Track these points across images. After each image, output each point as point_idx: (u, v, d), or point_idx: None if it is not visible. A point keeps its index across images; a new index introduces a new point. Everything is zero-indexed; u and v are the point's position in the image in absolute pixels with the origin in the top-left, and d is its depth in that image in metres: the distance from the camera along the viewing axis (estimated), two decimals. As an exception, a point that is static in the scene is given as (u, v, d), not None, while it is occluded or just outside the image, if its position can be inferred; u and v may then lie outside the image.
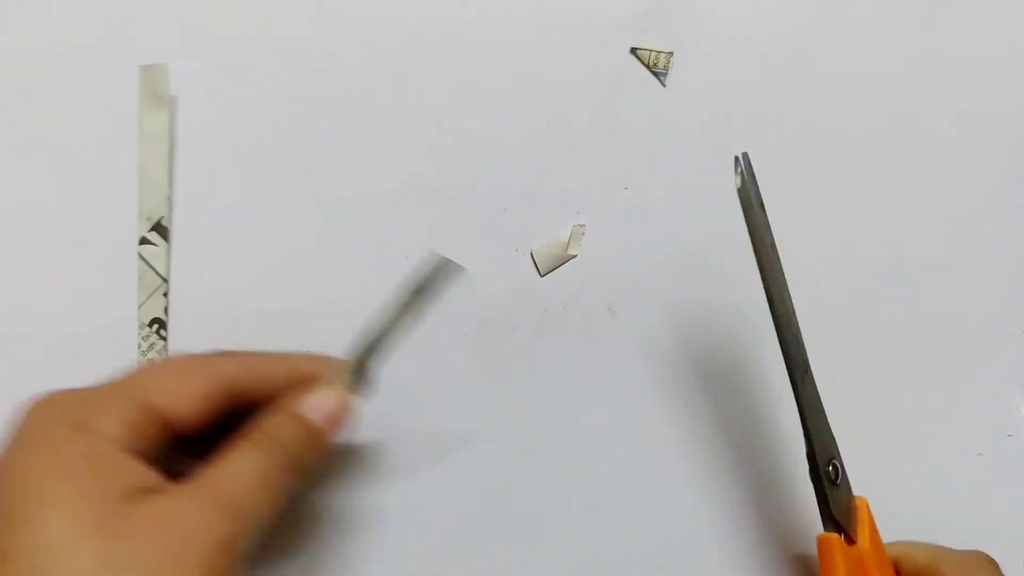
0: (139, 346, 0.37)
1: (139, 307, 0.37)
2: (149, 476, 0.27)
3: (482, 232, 0.39)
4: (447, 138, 0.39)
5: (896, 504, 0.38)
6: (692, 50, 0.40)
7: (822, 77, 0.40)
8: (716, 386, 0.39)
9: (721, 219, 0.39)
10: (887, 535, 0.38)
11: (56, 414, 0.27)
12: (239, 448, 0.28)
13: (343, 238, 0.39)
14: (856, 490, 0.37)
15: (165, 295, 0.37)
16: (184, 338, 0.38)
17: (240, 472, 0.28)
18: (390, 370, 0.38)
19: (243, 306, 0.38)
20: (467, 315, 0.39)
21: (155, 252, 0.37)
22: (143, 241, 0.37)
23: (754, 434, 0.39)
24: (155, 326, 0.37)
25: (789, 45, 0.40)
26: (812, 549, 0.38)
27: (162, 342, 0.37)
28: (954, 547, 0.35)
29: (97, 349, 0.37)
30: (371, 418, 0.38)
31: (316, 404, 0.31)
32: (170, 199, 0.38)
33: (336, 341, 0.38)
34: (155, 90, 0.37)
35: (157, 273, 0.37)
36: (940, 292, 0.39)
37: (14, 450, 0.26)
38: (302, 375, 0.32)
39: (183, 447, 0.30)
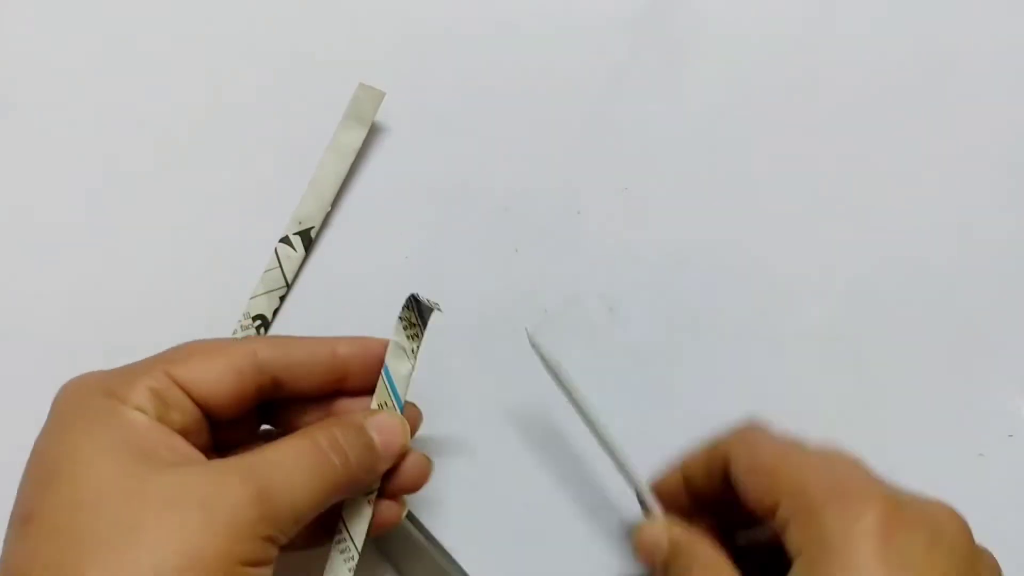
0: (234, 331, 0.37)
1: (251, 298, 0.37)
2: (179, 445, 0.26)
3: (482, 232, 0.39)
4: (446, 137, 0.39)
5: (896, 504, 0.38)
6: (692, 50, 0.40)
7: (822, 76, 0.40)
8: (716, 385, 0.39)
9: (721, 219, 0.39)
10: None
11: (87, 387, 0.27)
12: (294, 440, 0.27)
13: (343, 238, 0.39)
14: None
15: (281, 299, 0.38)
16: None
17: (287, 462, 0.26)
18: (390, 370, 0.38)
19: (239, 300, 0.38)
20: (467, 315, 0.39)
21: (290, 255, 0.38)
22: (284, 240, 0.38)
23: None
24: (258, 321, 0.37)
25: (789, 44, 0.40)
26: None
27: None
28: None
29: (195, 328, 0.37)
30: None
31: (382, 425, 0.29)
32: (328, 215, 0.38)
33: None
34: (362, 111, 0.38)
35: (284, 274, 0.37)
36: (940, 292, 0.39)
37: (48, 424, 0.27)
38: (342, 359, 0.30)
39: (223, 440, 0.29)
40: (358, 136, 0.38)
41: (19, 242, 0.39)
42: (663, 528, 0.31)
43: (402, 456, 0.30)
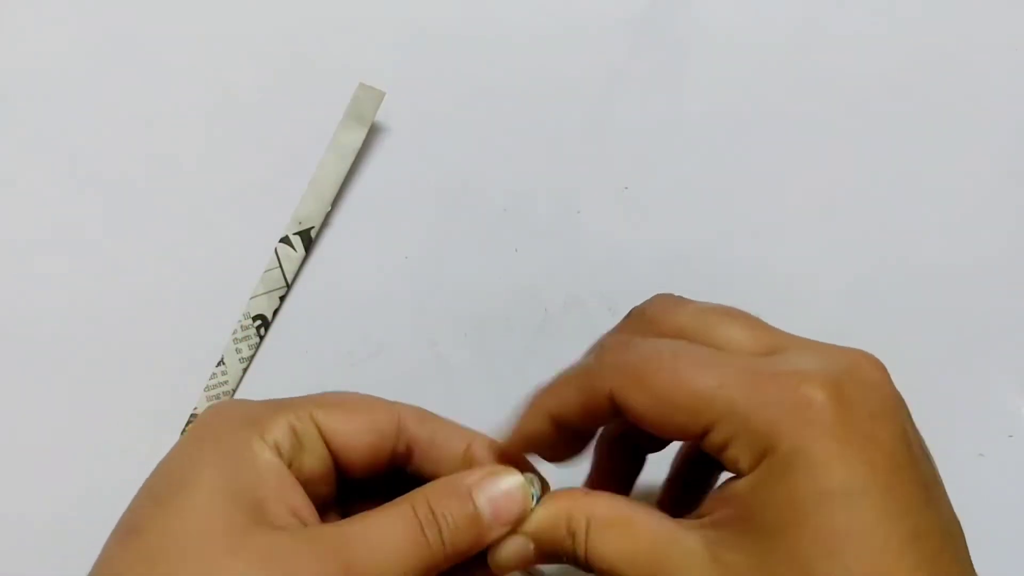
0: (234, 332, 0.37)
1: (251, 298, 0.37)
2: (296, 500, 0.26)
3: (482, 232, 0.39)
4: (446, 137, 0.39)
5: (896, 504, 0.38)
6: (692, 50, 0.40)
7: (822, 76, 0.40)
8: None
9: (721, 219, 0.39)
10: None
11: (232, 412, 0.27)
12: (391, 510, 0.26)
13: (343, 238, 0.39)
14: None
15: (281, 298, 0.38)
16: (278, 346, 0.38)
17: (377, 536, 0.25)
18: (390, 369, 0.38)
19: (240, 300, 0.38)
20: (467, 315, 0.39)
21: (290, 255, 0.38)
22: (284, 240, 0.38)
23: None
24: (258, 321, 0.37)
25: (789, 44, 0.40)
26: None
27: (257, 339, 0.37)
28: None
29: (195, 328, 0.38)
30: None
31: (493, 493, 0.27)
32: (328, 215, 0.38)
33: (333, 342, 0.38)
34: (362, 111, 0.38)
35: (284, 274, 0.37)
36: (940, 292, 0.39)
37: (184, 440, 0.27)
38: (479, 458, 0.29)
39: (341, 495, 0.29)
40: (358, 136, 0.38)
41: (19, 242, 0.39)
42: (520, 535, 0.27)
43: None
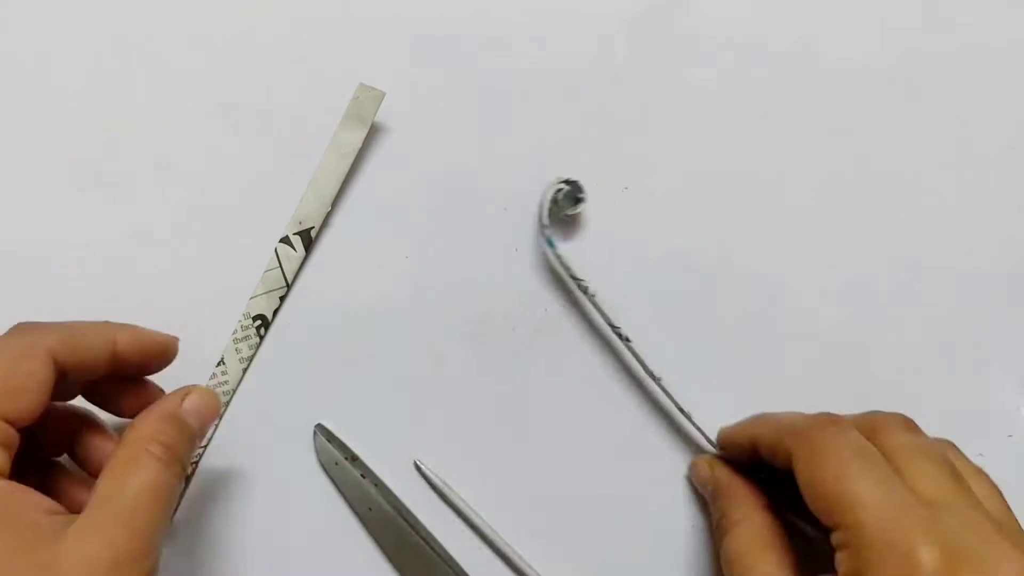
0: (234, 332, 0.38)
1: (251, 297, 0.37)
2: (43, 502, 0.28)
3: (482, 232, 0.39)
4: (447, 137, 0.39)
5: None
6: (692, 50, 0.40)
7: (823, 76, 0.40)
8: (716, 385, 0.39)
9: (721, 219, 0.39)
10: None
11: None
12: (130, 459, 0.29)
13: (343, 238, 0.39)
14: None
15: (281, 298, 0.38)
16: (278, 346, 0.38)
17: (136, 486, 0.28)
18: (390, 369, 0.38)
19: (241, 300, 0.38)
20: (467, 315, 0.39)
21: (290, 255, 0.38)
22: (284, 240, 0.38)
23: (754, 434, 0.39)
24: (258, 322, 0.38)
25: (789, 44, 0.40)
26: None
27: (258, 339, 0.37)
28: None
29: (195, 328, 0.38)
30: (371, 418, 0.38)
31: (193, 408, 0.32)
32: (328, 217, 0.38)
33: (333, 342, 0.38)
34: (362, 111, 0.37)
35: (284, 274, 0.37)
36: (940, 292, 0.39)
37: None
38: (124, 343, 0.32)
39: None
40: (358, 136, 0.38)
41: (19, 241, 0.39)
42: (708, 463, 0.36)
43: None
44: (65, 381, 0.31)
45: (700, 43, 0.40)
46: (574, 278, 0.37)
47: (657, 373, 0.37)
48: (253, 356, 0.38)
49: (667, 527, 0.38)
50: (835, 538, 0.27)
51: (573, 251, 0.38)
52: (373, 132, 0.39)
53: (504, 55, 0.40)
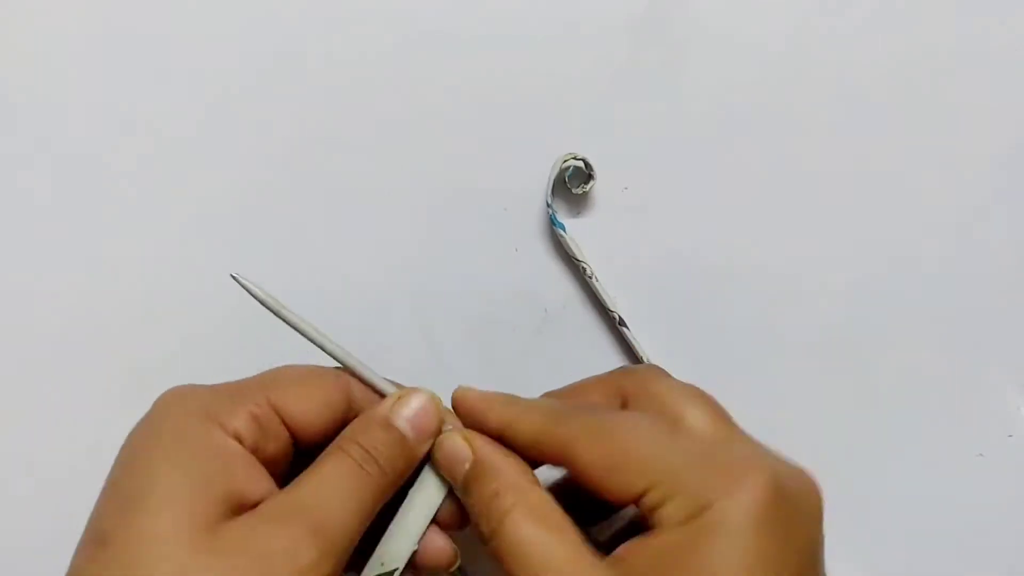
0: None
1: None
2: (262, 481, 0.27)
3: (482, 232, 0.39)
4: (447, 137, 0.39)
5: (896, 504, 0.38)
6: (692, 50, 0.40)
7: (824, 76, 0.40)
8: (716, 385, 0.39)
9: (720, 219, 0.39)
10: (886, 534, 0.38)
11: (188, 403, 0.27)
12: (329, 461, 0.27)
13: (343, 238, 0.39)
14: (858, 489, 0.37)
15: None
16: (278, 346, 0.35)
17: (330, 489, 0.27)
18: (390, 369, 0.38)
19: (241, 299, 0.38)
20: (467, 315, 0.39)
21: None
22: None
23: (753, 431, 0.39)
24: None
25: (788, 44, 0.40)
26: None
27: None
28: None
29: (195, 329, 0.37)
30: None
31: (408, 413, 0.29)
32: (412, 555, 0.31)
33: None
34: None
35: None
36: (940, 293, 0.39)
37: (142, 434, 0.26)
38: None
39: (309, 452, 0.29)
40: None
41: (18, 246, 0.39)
42: (463, 437, 0.29)
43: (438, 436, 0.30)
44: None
45: (700, 43, 0.40)
46: (575, 260, 0.37)
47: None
48: None
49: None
50: (649, 499, 0.26)
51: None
52: (374, 132, 0.39)
53: (504, 55, 0.39)
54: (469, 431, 0.30)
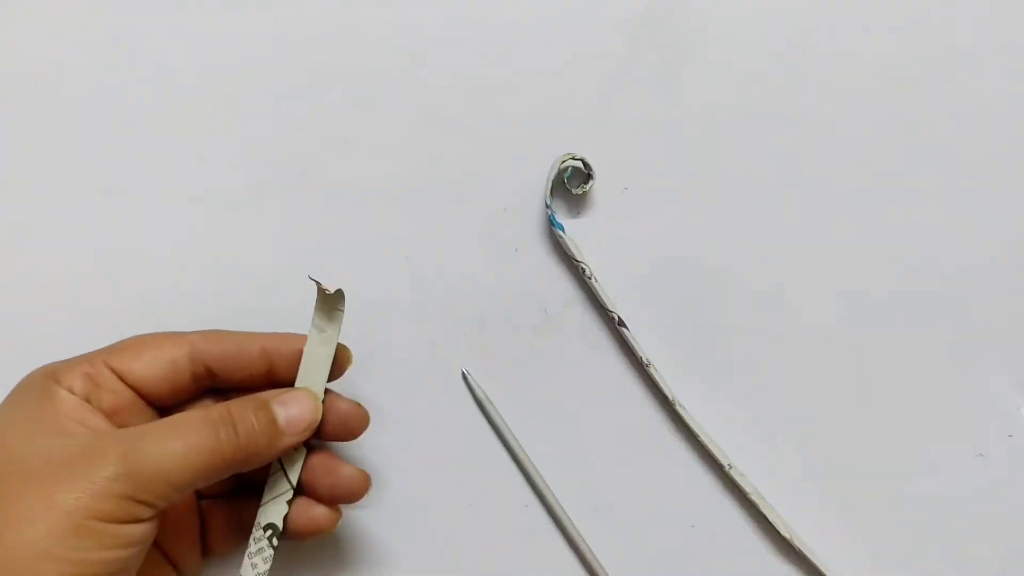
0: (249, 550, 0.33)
1: (260, 505, 0.33)
2: (93, 420, 0.30)
3: (482, 232, 0.39)
4: (447, 137, 0.39)
5: (896, 504, 0.38)
6: (692, 50, 0.40)
7: (824, 76, 0.40)
8: (716, 385, 0.39)
9: (721, 219, 0.39)
10: (885, 535, 0.38)
11: (39, 372, 0.31)
12: (187, 413, 0.30)
13: (343, 238, 0.39)
14: (856, 490, 0.37)
15: (288, 502, 0.33)
16: None
17: (165, 430, 0.29)
18: (390, 369, 0.38)
19: (242, 300, 0.38)
20: (467, 315, 0.39)
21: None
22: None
23: (754, 432, 0.39)
24: (268, 531, 0.33)
25: (790, 44, 0.40)
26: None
27: (271, 551, 0.33)
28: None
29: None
30: (372, 419, 0.38)
31: (287, 399, 0.31)
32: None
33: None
34: (328, 304, 0.32)
35: (287, 476, 0.33)
36: (940, 292, 0.39)
37: (7, 397, 0.31)
38: (268, 352, 0.33)
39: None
40: (335, 326, 0.33)
41: (18, 246, 0.39)
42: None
43: (311, 434, 0.32)
44: (217, 381, 0.33)
45: (700, 43, 0.40)
46: (575, 260, 0.37)
47: (650, 363, 0.37)
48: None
49: (662, 524, 0.38)
50: None
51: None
52: (373, 132, 0.39)
53: (504, 55, 0.39)
54: None
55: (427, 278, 0.39)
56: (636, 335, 0.38)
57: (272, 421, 0.31)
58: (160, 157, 0.39)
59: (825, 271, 0.39)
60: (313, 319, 0.32)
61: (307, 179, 0.39)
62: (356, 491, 0.33)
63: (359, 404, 0.34)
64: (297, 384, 0.33)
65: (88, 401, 0.31)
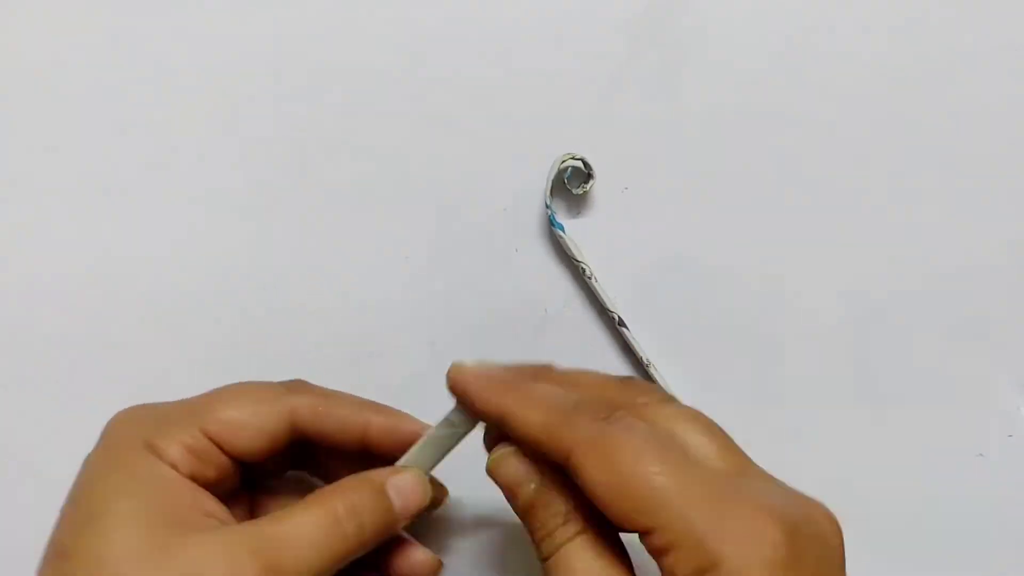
0: None
1: None
2: (206, 503, 0.28)
3: (482, 232, 0.39)
4: (447, 137, 0.39)
5: (896, 504, 0.38)
6: (692, 50, 0.40)
7: (824, 76, 0.40)
8: (716, 385, 0.39)
9: (721, 219, 0.39)
10: (885, 535, 0.38)
11: (132, 430, 0.29)
12: (310, 507, 0.28)
13: (343, 238, 0.39)
14: (856, 490, 0.37)
15: None
16: (279, 347, 0.38)
17: (299, 528, 0.27)
18: (390, 369, 0.38)
19: (243, 301, 0.38)
20: (467, 315, 0.39)
21: None
22: None
23: (753, 432, 0.39)
24: None
25: (790, 44, 0.40)
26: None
27: None
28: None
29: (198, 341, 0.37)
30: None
31: (402, 486, 0.30)
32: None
33: (333, 342, 0.38)
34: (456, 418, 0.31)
35: None
36: (940, 292, 0.39)
37: (94, 459, 0.28)
38: (378, 429, 0.31)
39: (259, 470, 0.31)
40: (461, 434, 0.32)
41: (19, 247, 0.39)
42: (518, 460, 0.28)
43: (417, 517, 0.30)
44: (310, 445, 0.31)
45: (700, 43, 0.40)
46: (575, 260, 0.37)
47: (650, 363, 0.37)
48: None
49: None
50: (652, 542, 0.24)
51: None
52: (374, 132, 0.39)
53: (504, 55, 0.39)
54: (519, 451, 0.28)
55: (427, 278, 0.39)
56: (636, 335, 0.38)
57: (389, 511, 0.29)
58: (160, 157, 0.39)
59: (825, 271, 0.39)
60: (452, 411, 0.31)
61: (307, 179, 0.39)
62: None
63: (438, 559, 0.32)
64: (405, 460, 0.31)
65: (194, 478, 0.28)
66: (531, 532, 0.28)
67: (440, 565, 0.32)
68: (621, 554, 0.27)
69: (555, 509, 0.27)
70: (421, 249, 0.39)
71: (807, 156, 0.40)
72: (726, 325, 0.39)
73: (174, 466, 0.28)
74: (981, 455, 0.39)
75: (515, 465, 0.28)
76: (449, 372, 0.30)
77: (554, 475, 0.28)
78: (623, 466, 0.25)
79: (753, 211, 0.39)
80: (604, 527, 0.27)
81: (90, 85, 0.39)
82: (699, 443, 0.27)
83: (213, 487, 0.29)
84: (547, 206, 0.38)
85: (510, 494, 0.29)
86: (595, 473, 0.25)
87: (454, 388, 0.30)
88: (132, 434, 0.29)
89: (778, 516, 0.24)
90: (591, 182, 0.38)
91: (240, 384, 0.31)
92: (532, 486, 0.28)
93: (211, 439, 0.29)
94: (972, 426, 0.39)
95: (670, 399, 0.30)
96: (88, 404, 0.38)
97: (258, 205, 0.39)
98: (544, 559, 0.27)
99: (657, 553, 0.24)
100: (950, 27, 0.40)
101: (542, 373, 0.31)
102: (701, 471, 0.26)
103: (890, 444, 0.39)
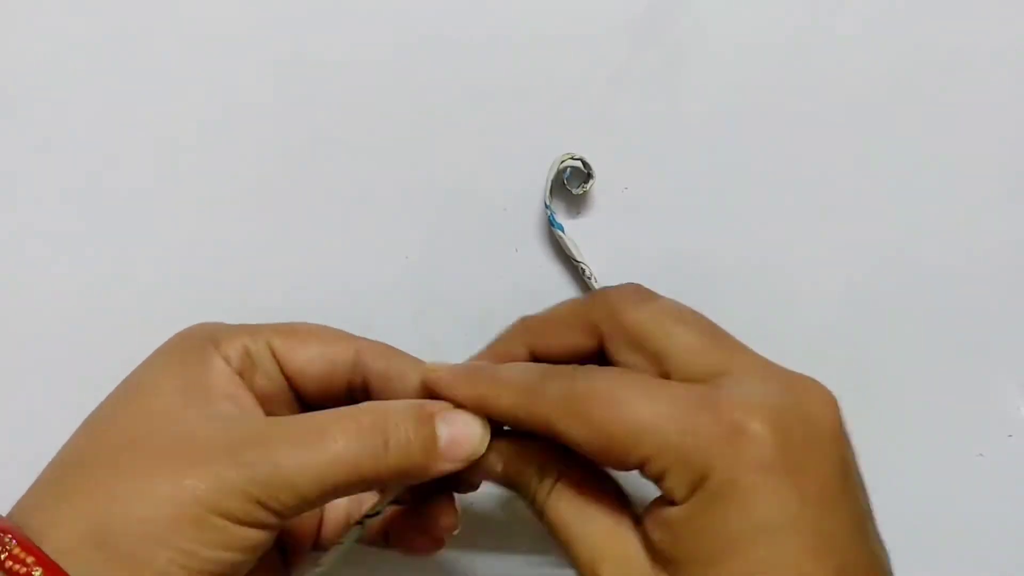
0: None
1: None
2: (244, 399, 0.28)
3: (481, 233, 0.39)
4: (446, 137, 0.39)
5: (896, 504, 0.38)
6: (692, 50, 0.40)
7: (824, 76, 0.40)
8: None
9: (721, 219, 0.39)
10: (885, 535, 0.38)
11: (194, 330, 0.30)
12: (339, 411, 0.26)
13: (342, 238, 0.39)
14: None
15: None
16: None
17: (309, 431, 0.25)
18: (390, 370, 0.38)
19: (243, 300, 0.38)
20: (467, 315, 0.39)
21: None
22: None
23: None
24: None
25: (789, 44, 0.40)
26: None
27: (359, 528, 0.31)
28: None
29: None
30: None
31: (456, 425, 0.27)
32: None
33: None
34: None
35: None
36: (940, 292, 0.39)
37: (155, 352, 0.29)
38: (428, 389, 0.29)
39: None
40: None
41: (19, 247, 0.39)
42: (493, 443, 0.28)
43: (468, 470, 0.28)
44: (368, 391, 0.30)
45: (700, 43, 0.40)
46: (574, 260, 0.37)
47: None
48: None
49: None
50: (649, 472, 0.25)
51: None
52: (373, 133, 0.39)
53: (503, 54, 0.39)
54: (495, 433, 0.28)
55: (427, 278, 0.39)
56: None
57: (432, 439, 0.26)
58: (160, 157, 0.39)
59: (825, 270, 0.39)
60: None
61: (307, 179, 0.39)
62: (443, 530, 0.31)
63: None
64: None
65: (241, 376, 0.28)
66: (523, 499, 0.28)
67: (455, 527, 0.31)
68: (604, 481, 0.27)
69: (528, 471, 0.28)
70: (421, 249, 0.39)
71: (807, 156, 0.40)
72: (726, 325, 0.39)
73: (226, 359, 0.28)
74: (981, 455, 0.39)
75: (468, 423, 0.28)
76: (423, 375, 0.29)
77: (521, 438, 0.28)
78: (596, 417, 0.25)
79: (753, 211, 0.39)
80: (582, 464, 0.27)
81: (90, 85, 0.39)
82: (681, 345, 0.27)
83: (261, 402, 0.28)
84: (547, 206, 0.38)
85: (485, 478, 0.29)
86: (575, 433, 0.25)
87: (428, 387, 0.29)
88: (196, 331, 0.29)
89: (758, 411, 0.24)
90: (591, 182, 0.38)
91: (314, 324, 0.31)
92: (499, 467, 0.28)
93: (273, 353, 0.29)
94: (972, 426, 0.39)
95: (646, 297, 0.29)
96: (88, 404, 0.38)
97: (258, 205, 0.39)
98: (541, 519, 0.27)
99: (657, 481, 0.25)
100: (950, 27, 0.40)
101: (514, 341, 0.31)
102: (672, 390, 0.25)
103: (890, 444, 0.39)
